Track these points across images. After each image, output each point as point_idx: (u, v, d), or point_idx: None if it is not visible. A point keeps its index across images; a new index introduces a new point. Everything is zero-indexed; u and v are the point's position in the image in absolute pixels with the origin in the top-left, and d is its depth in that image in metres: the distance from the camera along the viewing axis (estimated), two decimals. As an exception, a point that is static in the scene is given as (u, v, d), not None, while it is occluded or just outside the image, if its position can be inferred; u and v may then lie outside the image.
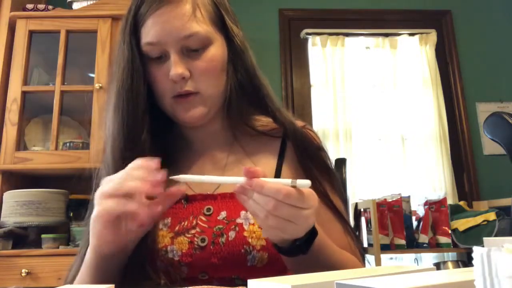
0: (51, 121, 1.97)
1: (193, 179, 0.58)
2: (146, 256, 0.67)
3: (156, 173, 0.57)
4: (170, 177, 0.57)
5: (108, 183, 0.58)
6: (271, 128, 0.79)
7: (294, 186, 0.53)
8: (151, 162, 0.57)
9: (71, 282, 0.69)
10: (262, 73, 0.81)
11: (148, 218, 0.57)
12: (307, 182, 0.53)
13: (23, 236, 1.83)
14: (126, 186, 0.56)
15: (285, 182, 0.53)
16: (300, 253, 0.59)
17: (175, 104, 0.73)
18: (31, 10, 2.08)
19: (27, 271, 1.69)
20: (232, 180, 0.55)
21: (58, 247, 1.78)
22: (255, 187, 0.52)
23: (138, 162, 0.58)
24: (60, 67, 2.00)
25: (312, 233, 0.59)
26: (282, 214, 0.52)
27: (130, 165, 0.59)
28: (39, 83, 2.09)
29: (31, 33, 2.05)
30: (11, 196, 1.84)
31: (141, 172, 0.57)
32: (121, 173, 0.58)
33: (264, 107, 0.79)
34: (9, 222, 1.80)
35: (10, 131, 1.93)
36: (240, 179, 0.54)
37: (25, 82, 2.01)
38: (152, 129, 0.73)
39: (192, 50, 0.71)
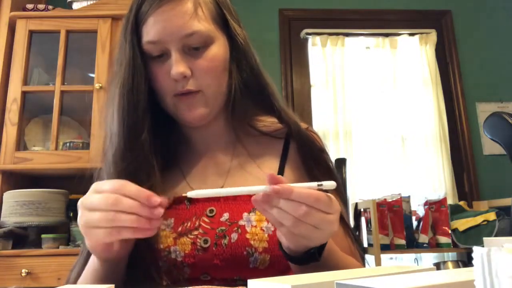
0: (51, 121, 1.97)
1: (209, 194, 0.54)
2: (149, 256, 0.67)
3: (153, 209, 0.53)
4: (185, 194, 0.54)
5: (88, 212, 0.54)
6: (275, 129, 0.79)
7: (320, 187, 0.51)
8: (145, 193, 0.53)
9: (74, 282, 0.69)
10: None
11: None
12: (333, 182, 0.52)
13: (23, 236, 1.83)
14: (118, 221, 0.52)
15: (311, 185, 0.52)
16: (313, 261, 0.57)
17: (177, 102, 0.72)
18: (31, 10, 2.08)
19: (27, 271, 1.69)
20: (251, 189, 0.52)
21: (58, 247, 1.78)
22: (283, 193, 0.49)
23: (127, 188, 0.53)
24: (60, 67, 2.00)
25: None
26: (311, 220, 0.50)
27: (114, 185, 0.54)
28: (39, 83, 2.09)
29: (31, 33, 2.05)
30: (11, 196, 1.84)
31: (133, 204, 0.52)
32: (105, 198, 0.53)
33: (269, 106, 0.78)
34: (9, 222, 1.80)
35: (10, 131, 1.93)
36: (261, 188, 0.51)
37: (25, 82, 2.01)
38: (153, 129, 0.72)
39: (193, 48, 0.71)
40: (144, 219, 0.53)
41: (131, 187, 0.54)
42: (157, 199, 0.53)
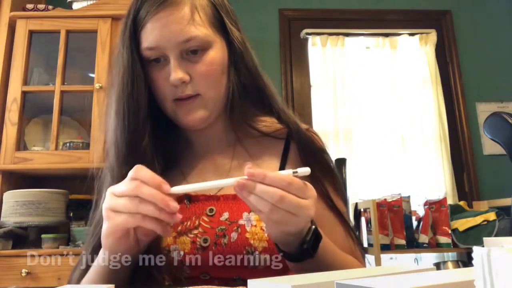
0: (51, 121, 1.97)
1: (189, 189, 0.57)
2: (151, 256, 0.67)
3: (171, 204, 0.54)
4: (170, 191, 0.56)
5: (115, 197, 0.56)
6: (275, 129, 0.79)
7: (295, 174, 0.54)
8: (164, 185, 0.55)
9: (77, 282, 0.69)
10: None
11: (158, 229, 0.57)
12: (307, 169, 0.55)
13: (23, 236, 1.83)
14: (141, 210, 0.54)
15: (286, 172, 0.54)
16: (307, 257, 0.58)
17: (177, 107, 0.73)
18: (31, 10, 2.09)
19: (27, 271, 1.69)
20: (226, 182, 0.55)
21: (58, 247, 1.78)
22: (258, 177, 0.52)
23: (146, 175, 0.55)
24: (60, 67, 2.01)
25: (317, 236, 0.59)
26: (286, 205, 0.52)
27: (137, 174, 0.56)
28: (39, 83, 2.09)
29: (31, 33, 2.05)
30: (11, 196, 1.84)
31: (153, 192, 0.54)
32: (127, 185, 0.55)
33: (268, 108, 0.79)
34: (9, 222, 1.80)
35: (10, 131, 1.93)
36: (234, 180, 0.53)
37: (25, 82, 2.01)
38: (154, 132, 0.72)
39: (191, 53, 0.71)
40: (165, 213, 0.54)
41: (145, 171, 0.56)
42: (175, 205, 0.55)
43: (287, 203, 0.52)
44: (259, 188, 0.52)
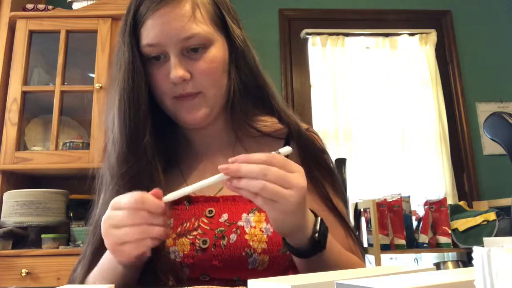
0: (51, 121, 1.97)
1: (178, 194, 0.59)
2: (155, 257, 0.67)
3: (163, 216, 0.58)
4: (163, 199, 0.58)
5: (120, 229, 0.56)
6: (275, 129, 0.79)
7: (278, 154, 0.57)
8: (158, 203, 0.57)
9: (82, 282, 0.69)
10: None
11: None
12: (288, 148, 0.58)
13: (23, 236, 1.83)
14: (151, 233, 0.56)
15: (268, 154, 0.57)
16: (318, 250, 0.59)
17: (177, 104, 0.72)
18: (31, 10, 2.08)
19: (27, 271, 1.69)
20: (213, 180, 0.57)
21: (58, 247, 1.78)
22: (240, 159, 0.54)
23: (153, 206, 0.57)
24: (60, 67, 2.00)
25: (325, 227, 0.60)
26: (275, 176, 0.53)
27: (144, 205, 0.56)
28: (39, 83, 2.09)
29: (31, 33, 2.05)
30: (11, 196, 1.84)
31: (152, 218, 0.57)
32: (133, 216, 0.56)
33: (268, 107, 0.78)
34: (9, 222, 1.80)
35: (10, 131, 1.93)
36: (220, 176, 0.56)
37: (25, 82, 2.01)
38: (154, 131, 0.72)
39: (192, 51, 0.70)
40: (161, 230, 0.57)
41: (151, 201, 0.57)
42: (158, 204, 0.57)
43: (274, 175, 0.53)
44: (245, 168, 0.54)
